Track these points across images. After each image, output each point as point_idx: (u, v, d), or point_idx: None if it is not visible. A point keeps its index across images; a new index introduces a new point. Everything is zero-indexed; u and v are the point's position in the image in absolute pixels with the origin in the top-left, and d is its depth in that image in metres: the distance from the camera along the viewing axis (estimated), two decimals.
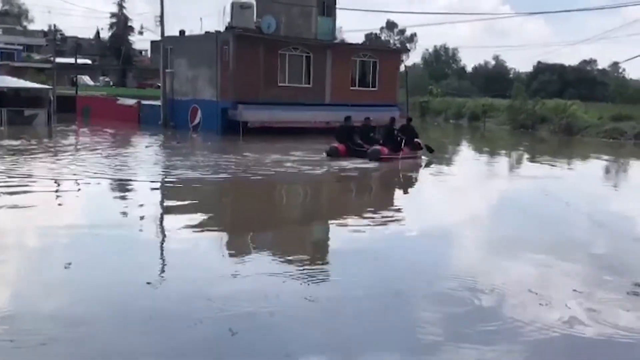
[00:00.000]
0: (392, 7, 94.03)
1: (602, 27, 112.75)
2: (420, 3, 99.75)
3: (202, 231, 9.09)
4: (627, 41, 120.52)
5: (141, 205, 10.60)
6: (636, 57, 53.53)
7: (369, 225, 10.09)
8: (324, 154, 18.46)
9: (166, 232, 9.13)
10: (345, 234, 9.47)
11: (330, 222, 10.67)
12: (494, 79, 73.17)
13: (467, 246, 9.04)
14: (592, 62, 73.73)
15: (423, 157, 19.73)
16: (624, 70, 70.45)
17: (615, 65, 67.64)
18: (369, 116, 20.31)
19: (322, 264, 7.74)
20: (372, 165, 17.39)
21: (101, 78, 55.60)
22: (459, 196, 13.94)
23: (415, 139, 19.80)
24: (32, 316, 5.51)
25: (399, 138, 18.97)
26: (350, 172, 16.32)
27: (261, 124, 25.48)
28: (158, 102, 29.99)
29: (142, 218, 9.70)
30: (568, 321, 5.74)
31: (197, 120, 27.54)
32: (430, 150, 20.10)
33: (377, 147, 18.32)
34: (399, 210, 12.11)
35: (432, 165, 18.77)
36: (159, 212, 10.60)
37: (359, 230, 9.68)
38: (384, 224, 10.36)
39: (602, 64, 75.00)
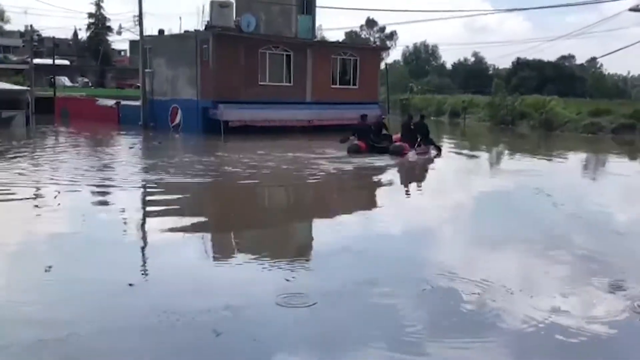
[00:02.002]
0: (372, 5, 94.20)
1: (580, 23, 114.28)
2: (400, 1, 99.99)
3: (186, 233, 9.03)
4: (604, 37, 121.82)
5: (122, 209, 10.48)
6: (613, 52, 54.19)
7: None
8: (346, 152, 18.91)
9: (148, 235, 9.05)
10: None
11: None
12: (473, 75, 73.79)
13: (449, 243, 9.09)
14: (570, 57, 74.70)
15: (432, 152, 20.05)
16: (601, 65, 71.42)
17: (593, 60, 68.34)
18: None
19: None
20: (391, 161, 17.82)
21: (80, 79, 55.08)
22: (439, 194, 14.02)
23: (429, 136, 20.25)
24: (10, 321, 5.44)
25: (417, 135, 19.43)
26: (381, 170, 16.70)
27: (242, 123, 25.40)
28: (138, 103, 29.77)
29: (124, 221, 9.61)
30: (551, 316, 5.79)
31: (177, 120, 27.38)
32: (438, 149, 20.36)
33: (399, 143, 18.89)
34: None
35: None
36: (141, 215, 10.49)
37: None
38: (364, 220, 10.42)
39: (580, 59, 75.82)
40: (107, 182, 13.29)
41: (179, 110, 27.26)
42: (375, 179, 16.00)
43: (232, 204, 11.89)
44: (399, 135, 19.86)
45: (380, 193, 14.01)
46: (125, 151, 20.09)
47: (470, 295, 6.26)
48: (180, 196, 12.04)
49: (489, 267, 7.37)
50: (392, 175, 16.58)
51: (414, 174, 17.03)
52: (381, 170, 16.86)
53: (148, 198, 12.18)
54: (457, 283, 6.64)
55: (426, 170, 17.76)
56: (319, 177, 14.93)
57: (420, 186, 15.40)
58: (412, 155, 18.49)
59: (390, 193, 13.81)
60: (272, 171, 15.84)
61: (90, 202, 11.20)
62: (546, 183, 15.10)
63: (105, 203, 11.36)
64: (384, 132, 20.11)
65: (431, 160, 19.17)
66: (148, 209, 11.09)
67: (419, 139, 19.38)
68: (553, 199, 12.70)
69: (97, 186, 12.79)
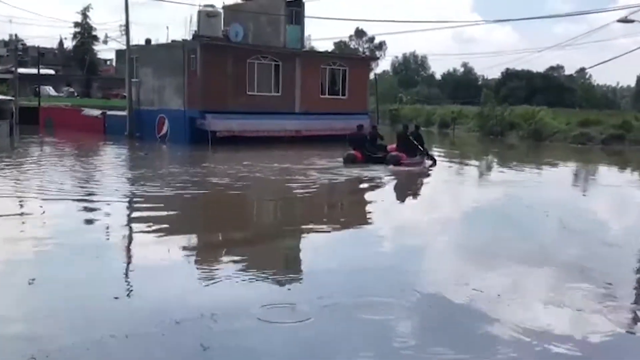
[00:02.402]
0: (361, 15, 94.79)
1: (568, 34, 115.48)
2: (389, 11, 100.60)
3: (172, 247, 8.97)
4: (593, 47, 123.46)
5: (107, 223, 10.37)
6: (602, 63, 54.78)
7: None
8: (342, 161, 19.16)
9: (134, 249, 8.99)
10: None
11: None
12: (463, 86, 74.42)
13: (440, 257, 9.09)
14: (559, 68, 75.45)
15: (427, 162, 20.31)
16: (590, 76, 72.29)
17: (581, 71, 69.17)
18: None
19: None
20: (388, 173, 17.91)
21: (65, 88, 54.80)
22: (432, 207, 14.06)
23: (424, 146, 20.51)
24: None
25: (415, 145, 19.69)
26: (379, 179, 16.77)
27: (230, 134, 25.36)
28: (124, 113, 29.68)
29: (109, 235, 9.52)
30: (541, 327, 5.80)
31: (164, 131, 27.31)
32: (433, 160, 20.53)
33: (395, 153, 19.12)
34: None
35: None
36: (126, 228, 10.40)
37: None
38: (347, 228, 10.41)
39: (569, 70, 76.58)
40: (92, 195, 13.18)
41: (166, 121, 27.19)
42: (368, 190, 15.95)
43: (219, 217, 11.82)
44: (394, 145, 20.02)
45: (372, 205, 13.93)
46: (111, 162, 19.98)
47: (463, 309, 6.26)
48: (166, 209, 11.94)
49: (480, 280, 7.37)
50: (386, 186, 16.59)
51: (408, 185, 17.06)
52: (375, 181, 16.87)
53: (134, 211, 12.09)
54: (450, 296, 6.63)
55: (420, 182, 17.85)
56: (309, 189, 14.90)
57: (414, 198, 15.42)
58: (408, 166, 18.70)
59: (383, 205, 13.74)
60: (261, 183, 15.80)
61: (75, 216, 11.07)
62: (535, 194, 15.19)
63: (90, 216, 11.23)
64: (379, 142, 20.23)
65: (426, 171, 19.30)
66: (134, 222, 11.00)
67: (419, 149, 19.70)
68: (542, 210, 12.73)
69: (82, 199, 12.66)
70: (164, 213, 11.60)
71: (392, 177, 17.66)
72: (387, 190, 16.07)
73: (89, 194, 13.17)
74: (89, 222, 10.74)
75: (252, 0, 29.77)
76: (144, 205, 12.41)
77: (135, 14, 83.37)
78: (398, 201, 14.75)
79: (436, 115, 49.38)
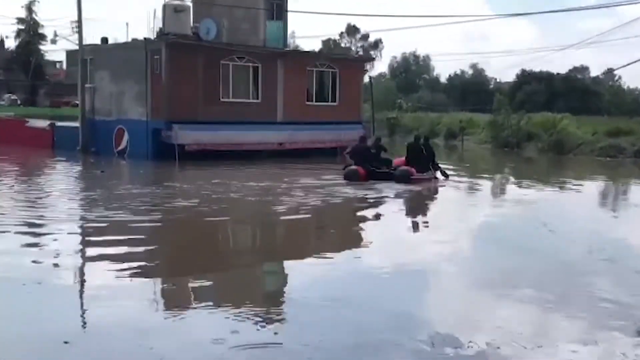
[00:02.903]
0: (354, 9, 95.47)
1: (594, 29, 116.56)
2: (385, 4, 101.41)
3: (132, 281, 8.90)
4: (622, 45, 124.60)
5: (57, 254, 10.26)
6: (633, 63, 55.21)
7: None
8: (343, 178, 19.35)
9: (87, 285, 8.92)
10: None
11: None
12: (472, 90, 74.90)
13: (451, 286, 9.09)
14: (584, 69, 76.21)
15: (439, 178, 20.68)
16: (619, 78, 72.91)
17: (609, 72, 69.76)
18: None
19: None
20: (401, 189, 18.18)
21: (6, 96, 54.72)
22: (439, 226, 14.11)
23: (435, 160, 20.93)
24: None
25: (427, 158, 20.16)
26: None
27: (201, 147, 25.35)
28: (76, 124, 29.60)
29: (58, 269, 9.42)
30: None
31: (123, 145, 27.26)
32: (445, 175, 20.94)
33: (405, 167, 19.37)
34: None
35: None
36: (79, 260, 10.30)
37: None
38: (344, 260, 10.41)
39: (595, 71, 77.46)
40: (38, 221, 13.05)
41: (126, 133, 27.15)
42: (371, 214, 15.87)
43: (187, 246, 11.74)
44: (401, 158, 20.38)
45: (377, 232, 13.84)
46: (61, 182, 19.85)
47: (476, 353, 6.25)
48: (125, 237, 11.84)
49: (494, 319, 7.37)
50: (393, 208, 16.60)
51: (418, 207, 17.15)
52: (380, 202, 16.91)
53: (87, 240, 11.99)
54: (459, 335, 6.63)
55: (431, 202, 18.04)
56: (297, 213, 14.84)
57: (424, 222, 15.40)
58: (419, 182, 19.08)
59: (388, 231, 13.68)
60: (238, 206, 15.77)
61: (18, 246, 10.94)
62: (558, 216, 15.27)
63: (36, 246, 11.11)
64: (383, 155, 20.50)
65: (436, 189, 19.55)
66: (87, 253, 10.91)
67: (431, 163, 20.11)
68: (567, 235, 12.80)
69: (26, 225, 12.55)
70: (123, 240, 11.50)
71: (401, 196, 17.82)
72: (394, 214, 16.00)
73: (34, 222, 13.02)
74: (36, 253, 10.55)
75: None
76: (101, 234, 12.27)
77: (89, 9, 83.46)
78: (406, 226, 14.65)
79: (442, 125, 49.62)
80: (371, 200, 16.96)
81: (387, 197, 17.48)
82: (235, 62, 27.40)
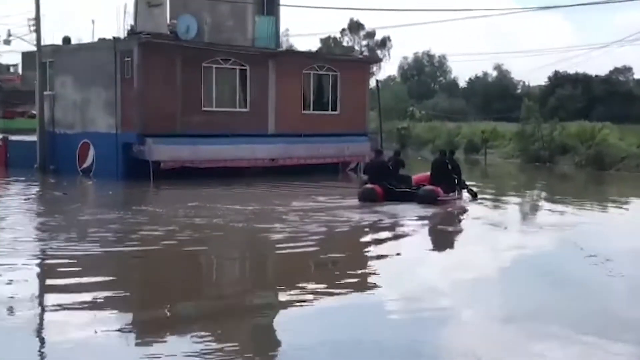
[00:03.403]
0: (356, 2, 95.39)
1: (637, 24, 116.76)
2: None
3: (98, 329, 8.80)
4: None
5: (11, 296, 10.16)
6: None
7: None
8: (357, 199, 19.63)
9: (46, 333, 8.86)
10: None
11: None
12: (496, 96, 74.89)
13: (474, 327, 9.05)
14: (626, 70, 76.12)
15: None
16: None
17: None
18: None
19: None
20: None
21: None
22: (465, 257, 14.15)
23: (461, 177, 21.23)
24: None
25: (454, 176, 20.46)
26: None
27: (179, 164, 25.32)
28: (33, 138, 29.61)
29: (12, 312, 9.35)
30: None
31: (88, 162, 27.23)
32: (473, 194, 21.27)
33: (430, 186, 19.63)
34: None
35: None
36: (35, 303, 10.18)
37: None
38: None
39: None
40: None
41: (91, 147, 27.13)
42: (381, 242, 15.58)
43: (165, 287, 11.63)
44: (422, 175, 20.74)
45: (384, 264, 13.63)
46: (15, 207, 19.79)
47: None
48: (92, 275, 11.73)
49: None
50: (408, 236, 16.40)
51: (439, 233, 17.13)
52: (400, 227, 16.93)
53: (46, 277, 11.88)
54: None
55: (454, 227, 18.08)
56: (292, 242, 14.67)
57: (450, 253, 15.33)
58: (445, 203, 19.48)
59: (399, 264, 13.58)
60: (224, 234, 15.71)
61: None
62: (599, 243, 15.22)
63: None
64: (401, 171, 20.80)
65: (462, 211, 19.75)
66: (46, 294, 10.81)
67: (458, 181, 20.50)
68: (610, 265, 12.74)
69: None
70: (88, 277, 11.42)
71: (426, 220, 17.91)
72: (411, 243, 15.75)
73: None
74: None
75: None
76: (62, 270, 12.17)
77: (49, 3, 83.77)
78: (426, 258, 14.42)
79: (461, 136, 49.72)
80: (385, 226, 16.93)
81: (404, 222, 17.48)
82: (220, 65, 27.41)
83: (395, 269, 13.07)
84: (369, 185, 19.87)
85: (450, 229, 17.80)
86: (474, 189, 21.67)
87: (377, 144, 32.16)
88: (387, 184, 19.81)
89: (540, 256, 14.38)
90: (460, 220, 19.11)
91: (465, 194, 21.04)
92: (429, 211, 18.67)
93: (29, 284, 11.34)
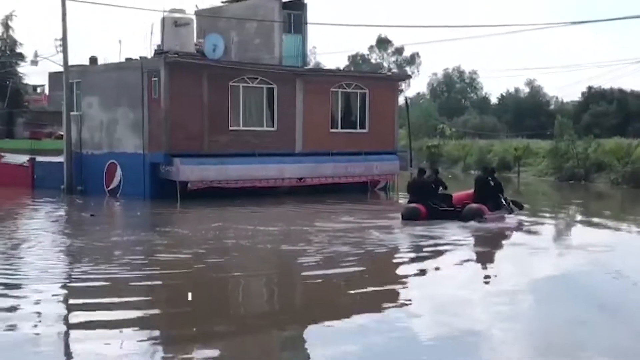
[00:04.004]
0: (384, 19, 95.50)
1: None
2: (422, 12, 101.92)
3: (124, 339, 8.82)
4: None
5: (37, 322, 10.12)
6: None
7: None
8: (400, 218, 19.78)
9: (74, 347, 8.89)
10: None
11: None
12: (528, 112, 74.52)
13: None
14: None
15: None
16: None
17: None
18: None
19: None
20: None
21: None
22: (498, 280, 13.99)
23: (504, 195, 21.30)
24: None
25: (498, 194, 20.56)
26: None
27: (206, 185, 25.40)
28: (60, 159, 29.81)
29: (38, 340, 9.33)
30: None
31: (115, 182, 27.37)
32: (519, 206, 21.37)
33: (475, 205, 19.72)
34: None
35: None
36: (63, 329, 10.16)
37: None
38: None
39: None
40: (13, 278, 13.01)
41: (118, 168, 27.28)
42: (419, 264, 15.38)
43: (193, 312, 11.54)
44: (461, 194, 20.93)
45: (421, 290, 13.36)
46: (42, 228, 19.88)
47: None
48: (119, 299, 11.69)
49: None
50: (449, 258, 16.08)
51: (481, 254, 17.05)
52: (451, 248, 16.84)
53: (74, 303, 11.84)
54: None
55: (494, 248, 17.98)
56: (324, 266, 14.43)
57: (496, 272, 15.15)
58: (492, 221, 19.57)
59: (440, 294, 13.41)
60: (253, 256, 15.64)
61: None
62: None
63: (11, 310, 11.04)
64: (441, 191, 20.90)
65: (511, 227, 19.85)
66: (73, 320, 10.75)
67: (501, 199, 20.52)
68: None
69: None
70: (117, 304, 11.34)
71: (474, 240, 17.99)
72: (452, 265, 15.47)
73: (9, 279, 12.97)
74: (11, 319, 10.50)
75: (235, 3, 30.19)
76: (90, 292, 12.16)
77: (75, 24, 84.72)
78: (476, 280, 14.17)
79: (493, 154, 49.46)
80: (427, 246, 16.84)
81: (460, 240, 17.53)
82: (247, 84, 27.50)
83: (433, 292, 12.90)
84: (411, 205, 20.15)
85: (494, 250, 17.72)
86: (518, 201, 21.67)
87: (407, 163, 32.08)
88: (430, 202, 19.94)
89: (576, 279, 14.17)
90: (505, 238, 19.04)
91: (512, 207, 20.92)
92: (473, 230, 18.67)
93: (55, 306, 11.40)
